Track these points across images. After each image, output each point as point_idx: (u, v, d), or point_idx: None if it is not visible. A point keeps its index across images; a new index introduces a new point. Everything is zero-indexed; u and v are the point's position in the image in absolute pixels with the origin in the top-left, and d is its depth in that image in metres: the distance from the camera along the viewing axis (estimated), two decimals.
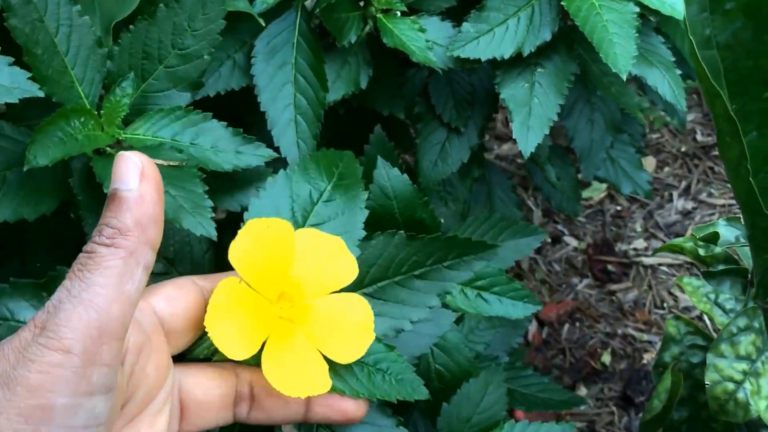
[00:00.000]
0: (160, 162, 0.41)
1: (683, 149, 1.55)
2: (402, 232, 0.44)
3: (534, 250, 1.39)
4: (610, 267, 1.38)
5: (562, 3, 0.61)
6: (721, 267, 0.50)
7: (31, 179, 0.42)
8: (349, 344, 0.40)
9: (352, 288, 0.42)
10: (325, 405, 0.39)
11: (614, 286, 1.36)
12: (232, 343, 0.37)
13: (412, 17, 0.62)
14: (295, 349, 0.39)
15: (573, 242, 1.41)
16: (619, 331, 1.29)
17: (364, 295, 0.44)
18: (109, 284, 0.29)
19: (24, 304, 0.38)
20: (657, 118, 1.53)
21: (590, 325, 1.31)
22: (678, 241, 0.54)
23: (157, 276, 0.41)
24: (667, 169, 1.52)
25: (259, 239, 0.38)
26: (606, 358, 1.26)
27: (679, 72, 0.68)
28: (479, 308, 0.60)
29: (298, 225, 0.43)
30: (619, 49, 0.58)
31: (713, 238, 0.47)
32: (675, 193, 1.48)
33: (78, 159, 0.41)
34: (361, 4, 0.62)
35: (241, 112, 0.59)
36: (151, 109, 0.45)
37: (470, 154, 0.73)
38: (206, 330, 0.37)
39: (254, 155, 0.46)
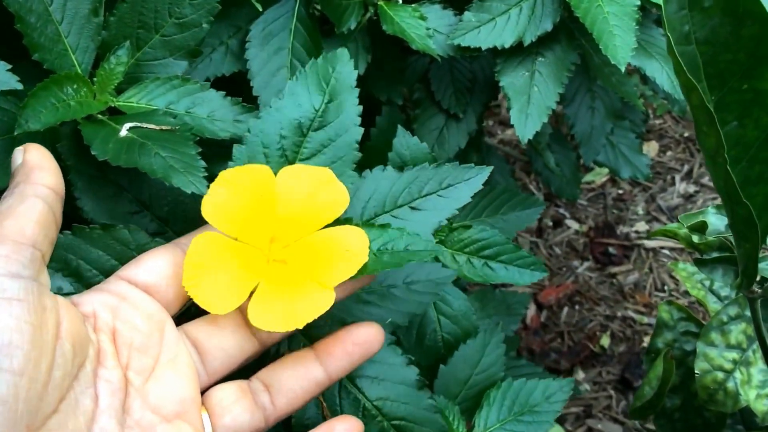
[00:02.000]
0: (150, 126, 0.41)
1: (686, 134, 1.55)
2: (390, 166, 0.45)
3: (535, 233, 1.41)
4: (611, 249, 1.38)
5: None
6: (714, 254, 0.50)
7: None
8: (340, 268, 0.38)
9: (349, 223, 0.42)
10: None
11: (615, 269, 1.36)
12: (214, 299, 0.37)
13: (413, 5, 0.62)
14: (289, 286, 0.38)
15: (574, 225, 1.42)
16: (619, 314, 1.30)
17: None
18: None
19: None
20: (660, 105, 1.54)
21: (590, 308, 1.31)
22: (672, 226, 0.54)
23: (152, 236, 0.41)
24: (669, 153, 1.52)
25: (235, 189, 0.38)
26: (605, 341, 1.26)
27: None
28: (486, 276, 0.60)
29: (288, 162, 0.42)
30: (619, 41, 0.59)
31: (701, 227, 0.47)
32: (677, 177, 1.48)
33: (66, 125, 0.41)
34: None
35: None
36: (147, 77, 0.45)
37: (468, 140, 0.73)
38: (185, 289, 0.37)
39: None
